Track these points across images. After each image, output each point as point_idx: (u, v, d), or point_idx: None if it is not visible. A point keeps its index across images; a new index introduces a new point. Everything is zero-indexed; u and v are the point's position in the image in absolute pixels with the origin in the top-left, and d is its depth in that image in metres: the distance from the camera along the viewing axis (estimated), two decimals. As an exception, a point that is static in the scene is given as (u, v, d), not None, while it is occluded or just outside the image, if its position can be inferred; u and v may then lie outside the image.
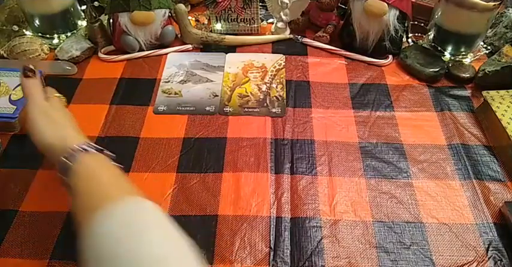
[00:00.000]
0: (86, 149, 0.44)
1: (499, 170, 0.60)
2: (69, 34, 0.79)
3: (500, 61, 0.70)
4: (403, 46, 0.77)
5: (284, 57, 0.78)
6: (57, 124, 0.47)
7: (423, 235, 0.53)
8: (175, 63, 0.76)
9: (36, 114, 0.48)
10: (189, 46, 0.79)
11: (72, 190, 0.43)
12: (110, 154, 0.47)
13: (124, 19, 0.72)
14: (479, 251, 0.51)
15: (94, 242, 0.37)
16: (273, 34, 0.82)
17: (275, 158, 0.61)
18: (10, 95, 0.65)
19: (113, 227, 0.37)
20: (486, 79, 0.69)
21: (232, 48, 0.80)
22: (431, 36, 0.77)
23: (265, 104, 0.69)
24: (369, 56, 0.76)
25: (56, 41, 0.78)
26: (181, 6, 0.76)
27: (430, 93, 0.71)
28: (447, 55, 0.76)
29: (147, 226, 0.38)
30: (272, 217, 0.54)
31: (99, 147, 0.46)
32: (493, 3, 0.67)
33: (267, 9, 0.81)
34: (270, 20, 0.85)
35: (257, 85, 0.72)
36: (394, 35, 0.72)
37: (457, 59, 0.76)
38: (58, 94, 0.53)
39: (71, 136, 0.46)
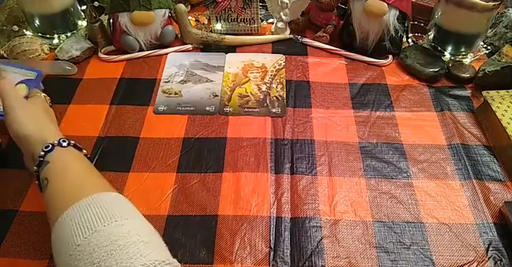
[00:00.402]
0: (62, 145, 0.46)
1: (499, 170, 0.60)
2: (69, 34, 0.79)
3: (500, 61, 0.70)
4: (403, 46, 0.77)
5: (284, 57, 0.78)
6: (36, 117, 0.49)
7: (423, 235, 0.53)
8: (175, 63, 0.76)
9: (17, 106, 0.49)
10: (189, 46, 0.79)
11: (44, 182, 0.43)
12: (85, 152, 0.49)
13: (124, 19, 0.72)
14: (479, 251, 0.51)
15: (66, 231, 0.37)
16: (273, 34, 0.82)
17: (275, 158, 0.61)
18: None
19: (88, 217, 0.38)
20: (486, 79, 0.69)
21: (232, 48, 0.80)
22: (431, 36, 0.77)
23: (265, 104, 0.69)
24: (369, 56, 0.76)
25: (56, 41, 0.78)
26: (181, 6, 0.76)
27: (430, 93, 0.71)
28: (447, 55, 0.76)
29: (125, 216, 0.39)
30: (272, 217, 0.54)
31: (77, 144, 0.48)
32: (493, 3, 0.67)
33: (267, 9, 0.81)
34: (270, 20, 0.85)
35: (257, 85, 0.72)
36: (394, 35, 0.72)
37: (457, 59, 0.76)
38: (43, 94, 0.55)
39: (49, 130, 0.48)
